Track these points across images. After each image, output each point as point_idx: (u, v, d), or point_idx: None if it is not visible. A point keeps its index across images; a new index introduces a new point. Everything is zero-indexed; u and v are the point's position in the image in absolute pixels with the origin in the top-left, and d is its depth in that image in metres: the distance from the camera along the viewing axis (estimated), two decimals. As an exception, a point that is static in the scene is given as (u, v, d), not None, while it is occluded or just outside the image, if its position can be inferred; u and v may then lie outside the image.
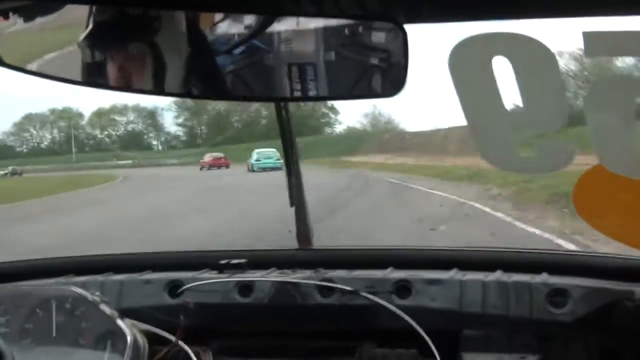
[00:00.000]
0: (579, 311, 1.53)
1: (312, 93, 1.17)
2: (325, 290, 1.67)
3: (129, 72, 1.09)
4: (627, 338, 1.51)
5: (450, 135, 35.31)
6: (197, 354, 1.54)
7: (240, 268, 1.79)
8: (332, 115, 75.82)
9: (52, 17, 1.06)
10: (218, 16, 1.10)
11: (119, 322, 1.46)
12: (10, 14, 1.05)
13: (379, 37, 1.13)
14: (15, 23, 1.06)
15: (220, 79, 1.14)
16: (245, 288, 1.71)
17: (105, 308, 1.48)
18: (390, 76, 1.16)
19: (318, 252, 1.96)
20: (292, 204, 1.98)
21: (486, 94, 1.22)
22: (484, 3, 1.05)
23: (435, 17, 1.11)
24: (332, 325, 1.67)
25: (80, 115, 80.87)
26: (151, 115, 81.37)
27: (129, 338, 1.43)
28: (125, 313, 1.50)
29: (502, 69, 1.20)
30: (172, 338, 1.53)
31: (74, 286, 1.56)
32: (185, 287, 1.72)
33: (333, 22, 1.13)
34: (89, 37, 1.07)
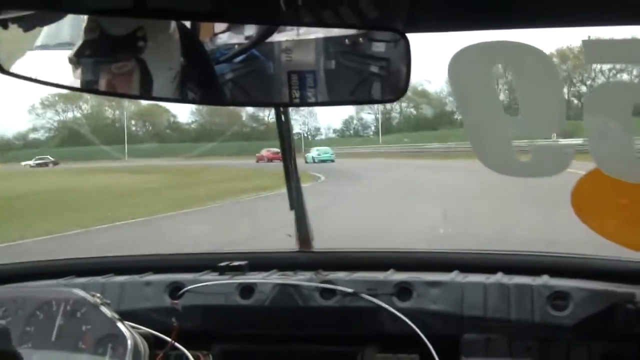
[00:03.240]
0: (581, 314, 1.52)
1: (311, 99, 1.18)
2: (326, 293, 1.67)
3: (130, 78, 1.10)
4: (628, 342, 1.50)
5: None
6: (196, 357, 1.53)
7: (241, 270, 1.78)
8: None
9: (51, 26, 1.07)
10: (219, 26, 1.10)
11: (120, 325, 1.44)
12: (9, 23, 1.06)
13: (378, 45, 1.14)
14: (15, 32, 1.07)
15: (221, 85, 1.15)
16: (246, 290, 1.71)
17: (105, 310, 1.47)
18: (390, 82, 1.17)
19: (318, 254, 1.96)
20: (291, 207, 1.98)
21: (485, 100, 1.23)
22: (481, 13, 1.06)
23: (434, 26, 1.12)
24: (334, 328, 1.67)
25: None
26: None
27: (129, 342, 1.41)
28: (125, 315, 1.49)
29: (501, 76, 1.21)
30: (169, 340, 1.52)
31: (75, 288, 1.56)
32: (185, 289, 1.71)
33: (334, 31, 1.14)
34: (89, 44, 1.07)
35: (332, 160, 33.91)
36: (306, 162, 32.97)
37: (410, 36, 1.09)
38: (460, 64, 1.21)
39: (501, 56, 1.20)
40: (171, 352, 1.53)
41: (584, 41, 1.14)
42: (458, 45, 1.19)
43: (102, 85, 1.11)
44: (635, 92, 1.27)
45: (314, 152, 35.62)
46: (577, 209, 1.51)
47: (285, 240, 2.06)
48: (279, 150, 1.94)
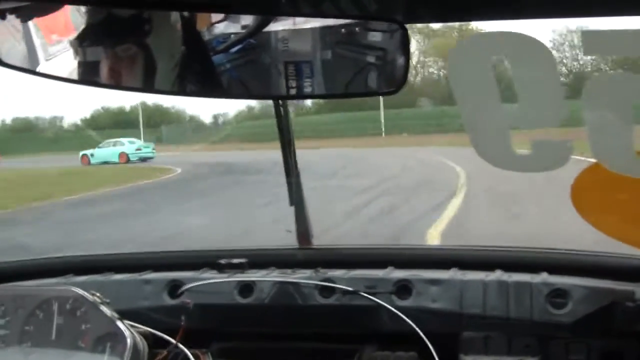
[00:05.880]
0: (580, 312, 1.52)
1: (308, 91, 1.18)
2: (326, 291, 1.66)
3: (125, 71, 1.10)
4: (628, 339, 1.50)
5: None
6: (196, 357, 1.53)
7: (240, 268, 1.78)
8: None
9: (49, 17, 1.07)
10: (216, 16, 1.10)
11: (119, 324, 1.44)
12: (8, 14, 1.06)
13: (376, 35, 1.13)
14: (14, 23, 1.07)
15: (218, 77, 1.15)
16: (246, 288, 1.70)
17: (105, 309, 1.46)
18: (388, 73, 1.17)
19: (318, 252, 1.96)
20: (291, 203, 1.98)
21: (483, 92, 1.23)
22: (480, 4, 1.06)
23: (433, 17, 1.12)
24: (333, 326, 1.66)
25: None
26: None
27: (128, 341, 1.41)
28: (125, 314, 1.49)
29: (500, 67, 1.20)
30: (172, 340, 1.52)
31: (74, 286, 1.55)
32: (185, 287, 1.71)
33: (331, 21, 1.14)
34: (87, 36, 1.07)
35: (152, 157, 26.74)
36: (90, 163, 26.07)
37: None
38: (460, 54, 1.21)
39: (500, 47, 1.20)
40: (170, 349, 1.53)
41: (582, 32, 1.14)
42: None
43: (104, 76, 1.11)
44: (636, 83, 1.26)
45: (128, 146, 27.31)
46: (576, 204, 1.51)
47: (285, 237, 2.06)
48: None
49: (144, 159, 26.60)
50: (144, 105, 36.89)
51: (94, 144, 28.13)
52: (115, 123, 37.55)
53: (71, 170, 22.63)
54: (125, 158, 26.62)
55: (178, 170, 21.07)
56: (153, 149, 27.67)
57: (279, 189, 2.04)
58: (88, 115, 41.19)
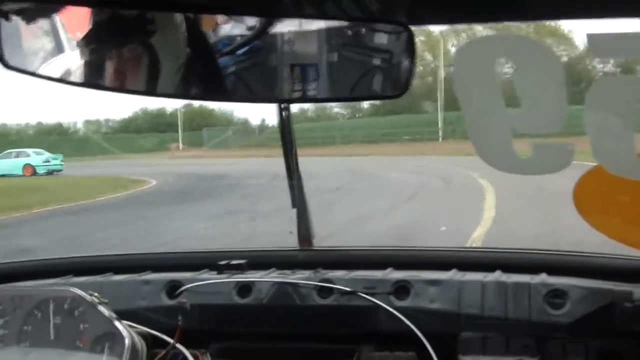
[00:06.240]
0: (578, 312, 1.52)
1: (313, 94, 1.18)
2: (324, 291, 1.66)
3: (130, 74, 1.10)
4: (626, 340, 1.50)
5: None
6: (195, 357, 1.53)
7: (239, 269, 1.78)
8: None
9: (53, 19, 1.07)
10: (220, 18, 1.10)
11: (117, 324, 1.44)
12: (12, 16, 1.06)
13: (382, 37, 1.13)
14: (18, 25, 1.07)
15: (222, 80, 1.15)
16: (244, 289, 1.70)
17: (103, 309, 1.46)
18: (393, 77, 1.17)
19: (318, 253, 1.96)
20: (293, 205, 1.98)
21: (486, 95, 1.23)
22: (483, 5, 1.06)
23: (437, 19, 1.12)
24: (331, 326, 1.66)
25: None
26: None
27: (126, 341, 1.41)
28: (123, 314, 1.49)
29: (505, 70, 1.21)
30: (170, 340, 1.52)
31: (73, 287, 1.55)
32: (183, 287, 1.71)
33: (335, 23, 1.14)
34: (92, 38, 1.07)
35: (60, 170, 25.27)
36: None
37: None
38: (464, 57, 1.21)
39: (505, 50, 1.20)
40: (169, 350, 1.53)
41: (588, 35, 1.14)
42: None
43: (108, 79, 1.10)
44: (638, 86, 1.27)
45: (34, 158, 25.65)
46: (578, 206, 1.51)
47: (286, 238, 2.06)
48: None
49: (51, 172, 25.12)
50: (188, 107, 36.18)
51: (124, 146, 27.52)
52: (152, 126, 37.07)
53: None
54: (31, 170, 25.02)
55: (152, 182, 19.17)
56: (61, 161, 26.17)
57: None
58: (126, 117, 40.65)
